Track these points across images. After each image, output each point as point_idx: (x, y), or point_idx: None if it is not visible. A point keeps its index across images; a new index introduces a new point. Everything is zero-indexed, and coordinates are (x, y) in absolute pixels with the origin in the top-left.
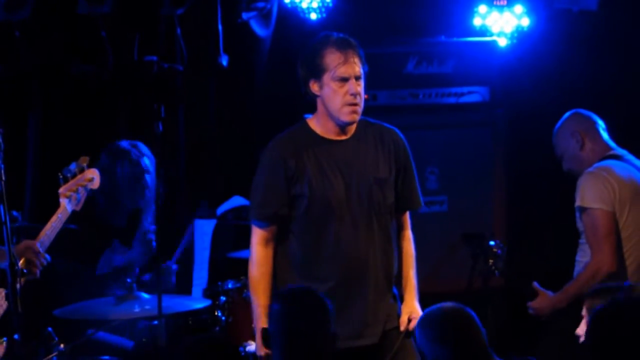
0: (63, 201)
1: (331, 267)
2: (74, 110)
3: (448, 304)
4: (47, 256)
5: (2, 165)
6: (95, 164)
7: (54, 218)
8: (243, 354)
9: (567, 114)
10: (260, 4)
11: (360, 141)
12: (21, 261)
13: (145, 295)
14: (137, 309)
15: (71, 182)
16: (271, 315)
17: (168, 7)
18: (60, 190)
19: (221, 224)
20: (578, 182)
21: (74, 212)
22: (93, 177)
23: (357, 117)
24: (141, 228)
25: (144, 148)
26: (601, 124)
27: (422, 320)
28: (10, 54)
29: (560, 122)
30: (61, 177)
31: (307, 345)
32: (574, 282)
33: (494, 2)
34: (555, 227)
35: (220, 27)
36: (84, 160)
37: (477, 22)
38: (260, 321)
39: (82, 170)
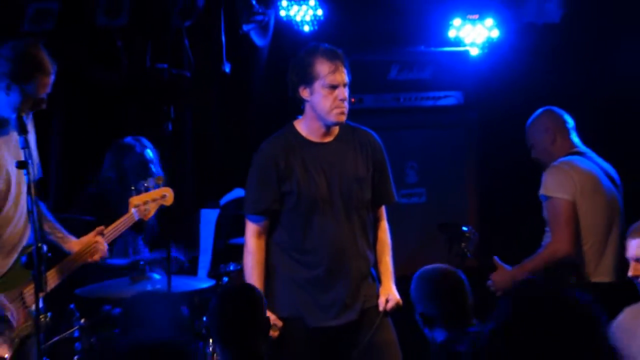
0: (131, 209)
1: (316, 256)
2: (93, 112)
3: (444, 266)
4: (107, 252)
5: (30, 161)
6: (104, 159)
7: (119, 221)
8: None
9: (541, 109)
10: (259, 17)
11: (341, 143)
12: (88, 250)
13: (157, 276)
14: (149, 288)
15: (144, 195)
16: (209, 309)
17: (177, 20)
18: (131, 199)
19: (224, 213)
20: (544, 173)
21: (104, 210)
22: (166, 194)
23: (344, 119)
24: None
25: (146, 142)
26: (571, 123)
27: (418, 276)
28: None
29: (535, 115)
30: (134, 189)
31: (237, 336)
32: (532, 259)
33: (467, 16)
34: (522, 217)
35: (223, 37)
36: (159, 180)
37: (452, 33)
38: None
39: (155, 188)
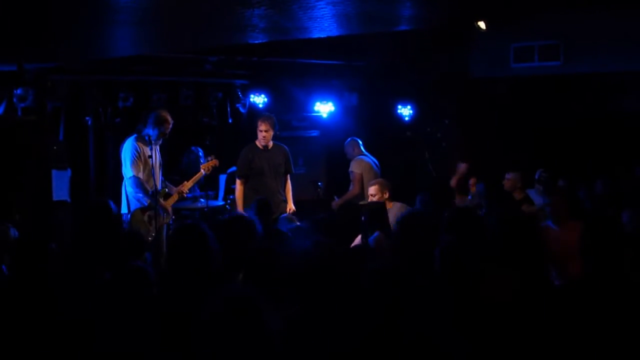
0: (201, 170)
1: (263, 192)
2: (188, 138)
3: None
4: (189, 194)
5: (157, 155)
6: (183, 155)
7: (196, 177)
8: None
9: (350, 138)
10: (243, 101)
11: (273, 149)
12: (176, 196)
13: (203, 200)
14: (199, 205)
15: (207, 164)
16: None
17: (213, 103)
18: (202, 166)
19: (229, 176)
20: (351, 163)
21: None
22: (214, 163)
23: (269, 144)
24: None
25: (200, 149)
26: (360, 142)
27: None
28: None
29: (347, 140)
30: (203, 161)
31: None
32: (345, 195)
33: (322, 101)
34: (345, 179)
35: (229, 109)
36: (212, 156)
37: (317, 107)
38: None
39: (211, 160)
